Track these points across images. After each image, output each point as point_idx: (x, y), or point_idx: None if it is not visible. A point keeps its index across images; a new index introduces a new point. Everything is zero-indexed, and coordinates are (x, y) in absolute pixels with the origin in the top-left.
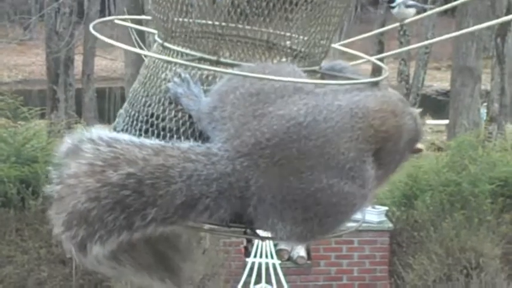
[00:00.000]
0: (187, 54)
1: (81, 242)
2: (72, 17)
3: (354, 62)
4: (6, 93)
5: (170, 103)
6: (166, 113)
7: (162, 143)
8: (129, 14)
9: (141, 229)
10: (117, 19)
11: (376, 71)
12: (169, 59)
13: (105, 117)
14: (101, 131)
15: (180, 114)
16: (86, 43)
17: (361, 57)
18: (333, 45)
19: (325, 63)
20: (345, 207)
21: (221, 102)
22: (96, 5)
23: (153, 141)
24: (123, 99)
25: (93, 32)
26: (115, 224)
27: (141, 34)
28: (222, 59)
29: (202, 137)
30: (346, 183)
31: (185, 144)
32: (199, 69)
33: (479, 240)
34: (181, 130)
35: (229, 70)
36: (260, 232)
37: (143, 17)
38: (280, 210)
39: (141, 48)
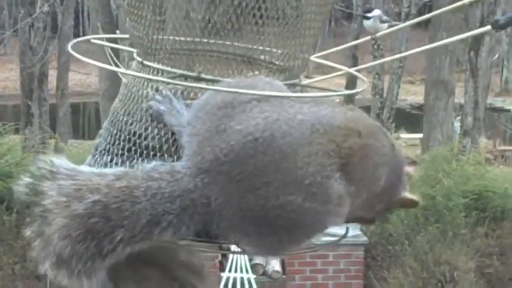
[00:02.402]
0: (168, 72)
1: (71, 282)
2: (46, 32)
3: (331, 75)
4: None
5: (152, 121)
6: (149, 131)
7: (124, 169)
8: (103, 29)
9: (110, 252)
10: (94, 38)
11: (350, 84)
12: (151, 77)
13: (79, 132)
14: (60, 161)
15: (162, 132)
16: (60, 58)
17: (337, 70)
18: (312, 57)
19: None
20: (310, 222)
21: (195, 117)
22: (70, 20)
23: (114, 169)
24: (97, 114)
25: (72, 52)
26: (87, 254)
27: (115, 50)
28: (202, 75)
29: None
30: (306, 198)
31: (149, 165)
32: (180, 86)
33: (453, 253)
34: (165, 148)
35: (207, 86)
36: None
37: (119, 35)
38: (241, 226)
39: (116, 64)
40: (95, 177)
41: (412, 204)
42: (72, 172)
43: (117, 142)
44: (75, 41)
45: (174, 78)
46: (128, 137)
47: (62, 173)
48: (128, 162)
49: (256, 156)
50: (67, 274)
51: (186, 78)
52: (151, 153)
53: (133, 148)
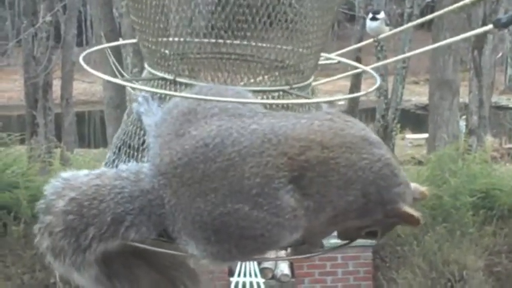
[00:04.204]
0: (153, 74)
1: (71, 277)
2: (49, 42)
3: (343, 75)
4: None
5: (137, 121)
6: (133, 131)
7: (105, 168)
8: (106, 38)
9: (87, 248)
10: (104, 48)
11: (354, 87)
12: (110, 78)
13: (85, 140)
14: (66, 173)
15: (141, 133)
16: (63, 67)
17: (342, 71)
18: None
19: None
20: (260, 233)
21: (162, 119)
22: (73, 29)
23: (99, 169)
24: (102, 123)
25: (83, 65)
26: (70, 249)
27: (119, 57)
28: (178, 79)
29: None
30: (254, 208)
31: (125, 166)
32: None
33: (462, 252)
34: (141, 148)
35: (169, 91)
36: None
37: (130, 41)
38: (191, 230)
39: (119, 71)
40: (82, 177)
41: (413, 221)
42: (69, 176)
43: (115, 141)
44: (86, 52)
45: (154, 80)
46: (121, 136)
47: (60, 177)
48: (116, 160)
49: (206, 162)
50: (60, 266)
51: (166, 81)
52: (131, 152)
53: (121, 147)
